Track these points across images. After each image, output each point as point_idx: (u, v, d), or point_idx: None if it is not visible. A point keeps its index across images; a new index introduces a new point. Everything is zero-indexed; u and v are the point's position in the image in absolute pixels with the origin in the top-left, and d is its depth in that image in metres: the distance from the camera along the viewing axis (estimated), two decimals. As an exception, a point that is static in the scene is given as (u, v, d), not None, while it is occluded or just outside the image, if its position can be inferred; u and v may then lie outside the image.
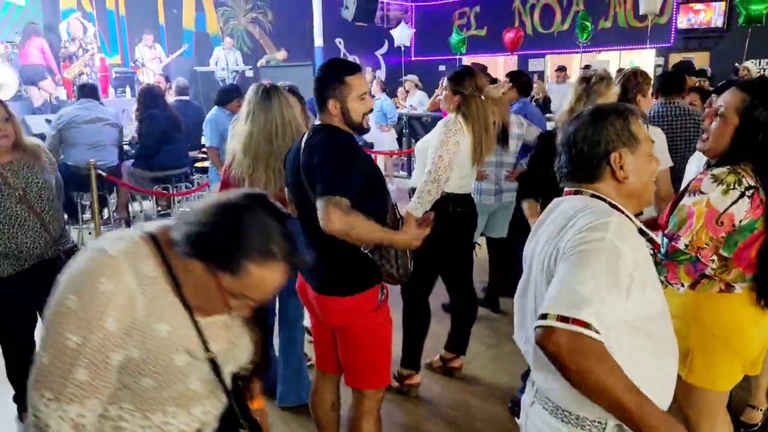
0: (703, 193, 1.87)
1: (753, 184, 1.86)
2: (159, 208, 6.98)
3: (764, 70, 10.76)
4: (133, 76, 10.81)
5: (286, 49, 12.76)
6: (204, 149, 7.00)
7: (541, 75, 14.42)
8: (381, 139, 9.36)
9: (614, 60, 14.81)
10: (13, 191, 2.65)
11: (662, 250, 1.91)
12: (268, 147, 2.83)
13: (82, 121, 5.72)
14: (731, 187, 1.84)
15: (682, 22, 13.07)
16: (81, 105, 5.84)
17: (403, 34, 14.31)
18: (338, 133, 2.22)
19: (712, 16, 12.64)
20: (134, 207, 7.27)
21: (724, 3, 12.32)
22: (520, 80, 4.82)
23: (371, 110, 2.32)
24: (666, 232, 1.94)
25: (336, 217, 2.01)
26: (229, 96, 5.53)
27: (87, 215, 6.21)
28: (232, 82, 11.23)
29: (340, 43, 14.61)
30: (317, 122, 2.31)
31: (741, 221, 1.86)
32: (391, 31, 14.51)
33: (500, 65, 16.03)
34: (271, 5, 13.93)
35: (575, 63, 15.86)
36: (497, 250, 4.41)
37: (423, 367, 3.50)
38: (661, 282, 1.80)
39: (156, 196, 6.42)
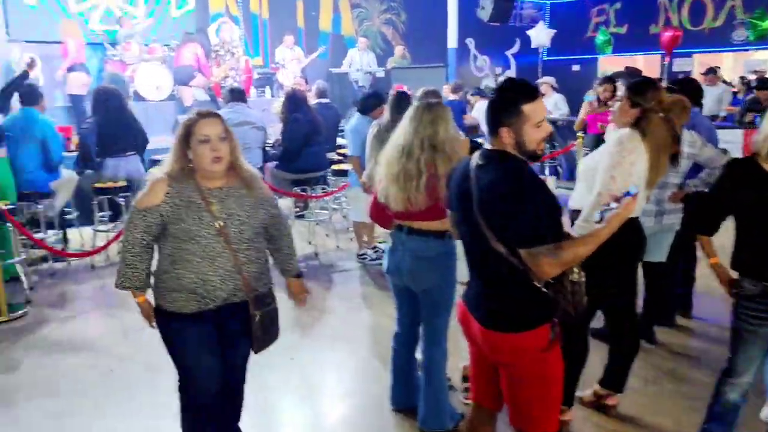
0: None
1: None
2: (297, 209, 7.18)
3: None
4: (273, 77, 11.26)
5: (405, 48, 12.73)
6: (341, 152, 7.14)
7: (688, 76, 13.36)
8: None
9: (774, 60, 13.45)
10: (213, 220, 2.35)
11: None
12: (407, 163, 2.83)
13: (231, 124, 5.76)
14: None
15: None
16: (231, 109, 6.10)
17: (541, 34, 13.79)
18: (517, 168, 2.08)
19: None
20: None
21: None
22: (690, 87, 4.39)
23: (549, 135, 2.16)
24: None
25: (547, 266, 1.95)
26: (372, 103, 5.55)
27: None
28: (365, 84, 11.40)
29: (470, 43, 14.38)
30: (487, 146, 2.18)
31: None
32: (528, 31, 14.05)
33: (641, 65, 15.08)
34: (405, 6, 13.98)
35: (726, 63, 14.60)
36: (655, 276, 4.06)
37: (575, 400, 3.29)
38: None
39: (294, 197, 6.59)
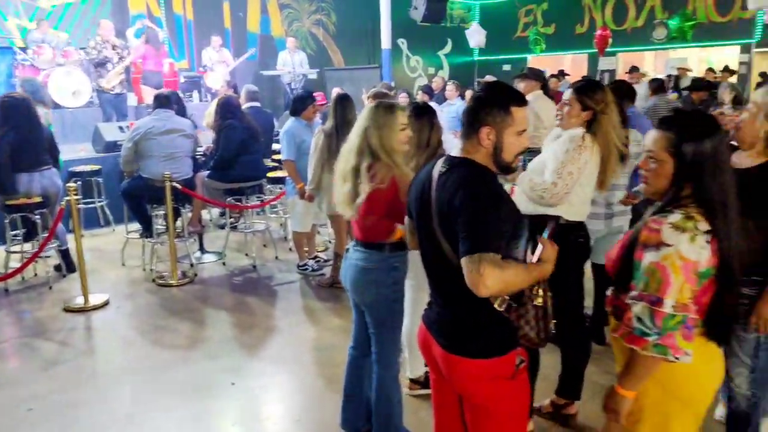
0: (668, 245, 1.72)
1: (708, 228, 1.75)
2: (232, 220, 6.85)
3: None
4: (200, 80, 10.81)
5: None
6: (276, 157, 6.86)
7: (612, 74, 13.78)
8: (454, 146, 9.02)
9: (692, 57, 14.05)
10: None
11: (645, 325, 1.74)
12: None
13: (157, 132, 5.60)
14: (695, 233, 1.72)
15: (772, 16, 12.22)
16: (156, 116, 5.72)
17: (477, 35, 13.85)
18: (483, 175, 1.91)
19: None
20: (203, 216, 7.17)
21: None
22: (624, 89, 4.44)
23: (525, 150, 2.01)
24: (637, 294, 1.78)
25: (491, 279, 1.72)
26: (303, 104, 5.34)
27: (161, 227, 6.12)
28: (297, 86, 11.12)
29: (403, 44, 14.31)
30: (454, 153, 2.00)
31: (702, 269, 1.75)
32: (466, 31, 14.09)
33: (569, 64, 15.45)
34: (336, 6, 13.76)
35: (648, 61, 15.16)
36: (604, 278, 4.01)
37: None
38: (672, 360, 1.72)
39: (229, 208, 6.27)
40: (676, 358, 1.74)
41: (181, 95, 7.71)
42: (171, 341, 4.40)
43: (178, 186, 5.50)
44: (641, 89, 10.09)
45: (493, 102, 1.91)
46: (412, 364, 3.55)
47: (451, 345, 1.99)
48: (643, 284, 1.77)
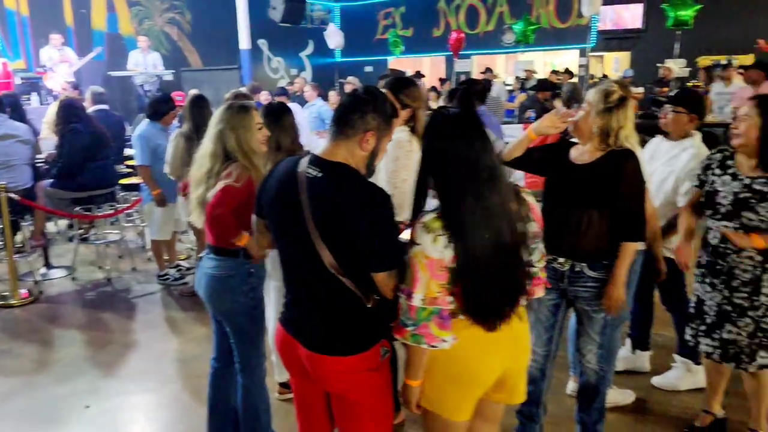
0: (417, 244, 1.81)
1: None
2: (81, 231, 6.35)
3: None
4: (39, 82, 9.93)
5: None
6: (129, 163, 6.46)
7: (468, 76, 14.46)
8: (319, 146, 8.98)
9: (538, 60, 15.10)
10: None
11: (405, 316, 1.84)
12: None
13: None
14: (437, 234, 1.78)
15: (603, 23, 13.44)
16: (-14, 120, 5.18)
17: (336, 37, 13.93)
18: (371, 186, 1.90)
19: (632, 18, 13.06)
20: (49, 228, 6.61)
21: (642, 5, 12.75)
22: (476, 87, 4.63)
23: None
24: (401, 288, 1.87)
25: (391, 289, 1.88)
26: (163, 108, 5.06)
27: (-2, 243, 5.54)
28: (151, 87, 10.57)
29: (263, 44, 14.08)
30: (323, 155, 1.95)
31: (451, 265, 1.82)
32: (324, 33, 14.10)
33: (427, 66, 16.01)
34: (189, 5, 13.23)
35: (499, 63, 16.09)
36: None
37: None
38: (427, 348, 1.82)
39: (78, 218, 5.80)
40: (432, 346, 1.82)
41: (16, 98, 7.02)
42: (13, 367, 3.99)
43: (16, 197, 5.02)
44: (494, 88, 10.74)
45: (383, 110, 1.93)
46: (280, 368, 3.48)
47: (320, 345, 1.97)
48: (405, 278, 1.85)
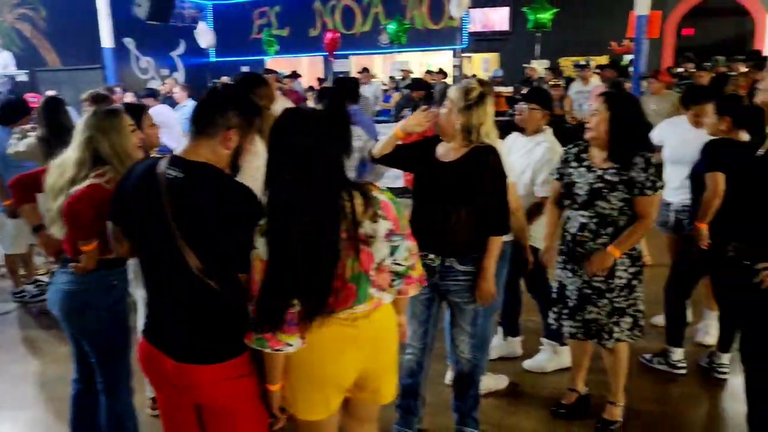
0: (255, 247, 1.81)
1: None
2: None
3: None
4: None
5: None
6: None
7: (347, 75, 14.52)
8: (186, 144, 8.63)
9: (414, 61, 15.46)
10: None
11: (251, 320, 1.78)
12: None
13: None
14: (261, 229, 1.79)
15: (474, 25, 14.00)
16: None
17: (207, 36, 13.45)
18: (236, 185, 1.83)
19: (499, 20, 13.72)
20: None
21: (508, 8, 13.42)
22: (347, 86, 4.64)
23: None
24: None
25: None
26: (14, 113, 4.66)
27: None
28: (3, 89, 9.70)
29: (130, 43, 13.32)
30: (184, 154, 1.84)
31: None
32: (194, 32, 13.57)
33: (305, 66, 15.91)
34: (44, 1, 12.25)
35: (377, 64, 16.32)
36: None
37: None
38: (270, 351, 1.78)
39: None
40: (277, 350, 1.78)
41: None
42: None
43: None
44: (372, 88, 10.87)
45: (244, 107, 1.86)
46: (152, 382, 3.29)
47: (188, 354, 1.87)
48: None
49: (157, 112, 7.76)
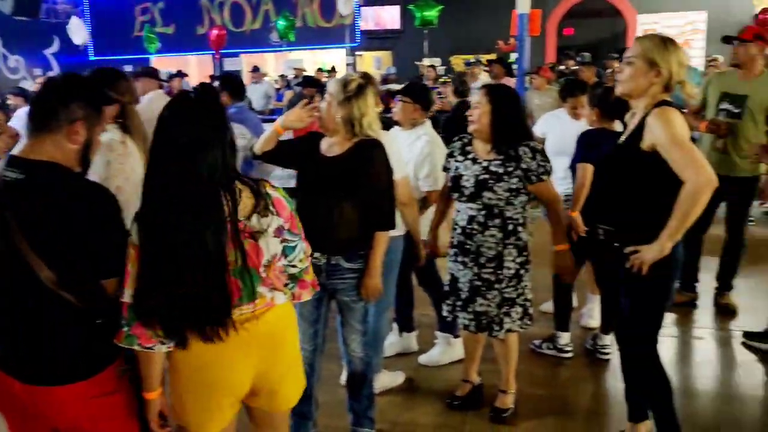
0: (129, 234, 1.75)
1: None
2: None
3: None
4: None
5: None
6: None
7: (238, 74, 14.14)
8: (25, 143, 8.03)
9: (308, 59, 15.31)
10: None
11: (121, 317, 1.69)
12: None
13: None
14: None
15: (366, 23, 14.04)
16: None
17: (80, 31, 12.62)
18: (87, 184, 1.71)
19: (390, 19, 13.82)
20: None
21: (399, 6, 13.55)
22: (233, 83, 4.55)
23: None
24: None
25: None
26: None
27: None
28: None
29: (-5, 40, 12.30)
30: (23, 154, 1.66)
31: None
32: (67, 27, 12.69)
33: (194, 65, 15.34)
34: None
35: (270, 62, 16.01)
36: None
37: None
38: (141, 350, 1.69)
39: None
40: (148, 348, 1.68)
41: None
42: None
43: None
44: (263, 87, 10.63)
45: (89, 97, 1.70)
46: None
47: (41, 375, 1.70)
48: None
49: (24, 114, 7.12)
